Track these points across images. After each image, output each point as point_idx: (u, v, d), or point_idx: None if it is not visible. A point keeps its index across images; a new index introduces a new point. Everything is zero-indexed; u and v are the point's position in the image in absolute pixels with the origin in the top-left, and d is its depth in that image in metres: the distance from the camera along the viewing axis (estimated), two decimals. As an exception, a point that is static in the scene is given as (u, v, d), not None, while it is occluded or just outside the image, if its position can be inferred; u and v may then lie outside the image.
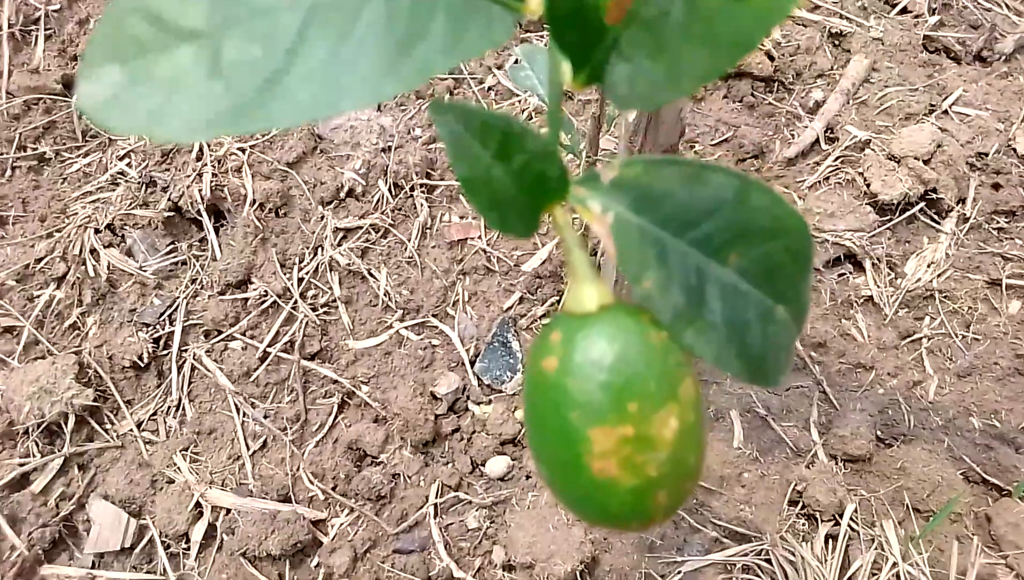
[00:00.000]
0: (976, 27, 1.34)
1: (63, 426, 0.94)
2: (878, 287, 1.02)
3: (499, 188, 0.25)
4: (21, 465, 0.92)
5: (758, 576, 0.80)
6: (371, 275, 1.05)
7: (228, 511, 0.89)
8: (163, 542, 0.89)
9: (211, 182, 1.07)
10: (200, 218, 1.08)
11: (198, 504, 0.90)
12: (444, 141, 0.23)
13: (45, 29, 1.33)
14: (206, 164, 1.09)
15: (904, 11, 1.35)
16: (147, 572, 0.88)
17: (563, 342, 0.27)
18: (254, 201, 1.08)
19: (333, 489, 0.90)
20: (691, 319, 0.27)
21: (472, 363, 0.98)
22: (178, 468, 0.92)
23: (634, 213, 0.27)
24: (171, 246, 1.08)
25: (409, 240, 1.07)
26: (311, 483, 0.91)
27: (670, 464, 0.26)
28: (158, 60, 0.21)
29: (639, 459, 0.25)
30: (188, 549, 0.89)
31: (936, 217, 1.09)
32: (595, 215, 0.27)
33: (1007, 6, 1.37)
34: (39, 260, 1.05)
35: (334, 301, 1.03)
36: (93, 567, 0.88)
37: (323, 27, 0.21)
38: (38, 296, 1.03)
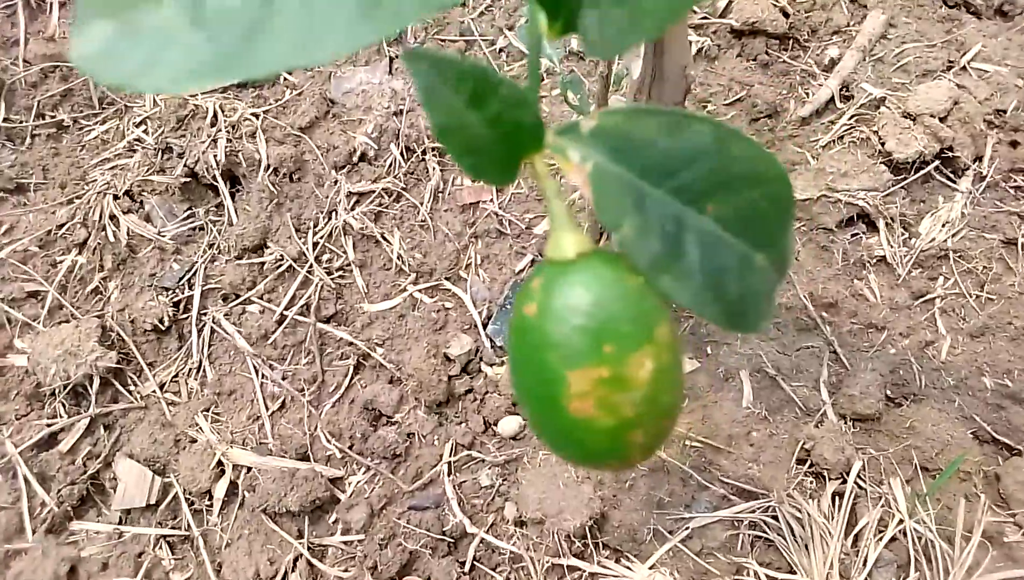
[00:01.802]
0: (999, -19, 1.31)
1: (88, 388, 0.97)
2: (891, 247, 1.02)
3: (474, 136, 0.25)
4: (49, 425, 0.95)
5: (765, 532, 0.81)
6: (384, 239, 1.06)
7: (249, 469, 0.92)
8: (187, 499, 0.92)
9: (226, 148, 1.09)
10: (216, 184, 1.09)
11: (220, 463, 0.92)
12: (418, 89, 0.24)
13: (61, -3, 1.34)
14: (220, 130, 1.11)
15: (925, -35, 1.32)
16: (172, 528, 0.91)
17: (543, 288, 0.28)
18: (268, 166, 1.09)
19: (350, 448, 0.93)
20: (668, 266, 0.27)
21: (485, 325, 0.99)
22: (200, 428, 0.95)
23: (613, 162, 0.27)
24: (188, 212, 1.10)
25: (422, 204, 1.08)
26: (328, 442, 0.93)
27: (645, 404, 0.27)
28: (145, 13, 0.22)
29: (615, 399, 0.26)
30: (211, 506, 0.91)
31: (952, 176, 1.07)
32: (574, 164, 0.27)
33: (1031, -41, 1.33)
34: (60, 226, 1.08)
35: (348, 265, 1.05)
36: (120, 523, 0.92)
37: (298, -22, 0.22)
38: (61, 261, 1.06)
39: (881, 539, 0.79)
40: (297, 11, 0.21)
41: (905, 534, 0.79)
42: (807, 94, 1.16)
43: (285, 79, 1.22)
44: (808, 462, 0.85)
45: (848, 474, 0.83)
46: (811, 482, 0.84)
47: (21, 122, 1.20)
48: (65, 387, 0.96)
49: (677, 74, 0.62)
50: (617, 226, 0.27)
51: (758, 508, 0.82)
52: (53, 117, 1.21)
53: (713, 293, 0.28)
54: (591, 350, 0.26)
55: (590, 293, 0.27)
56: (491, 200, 1.08)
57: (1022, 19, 1.26)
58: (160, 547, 0.90)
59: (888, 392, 0.91)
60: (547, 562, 0.81)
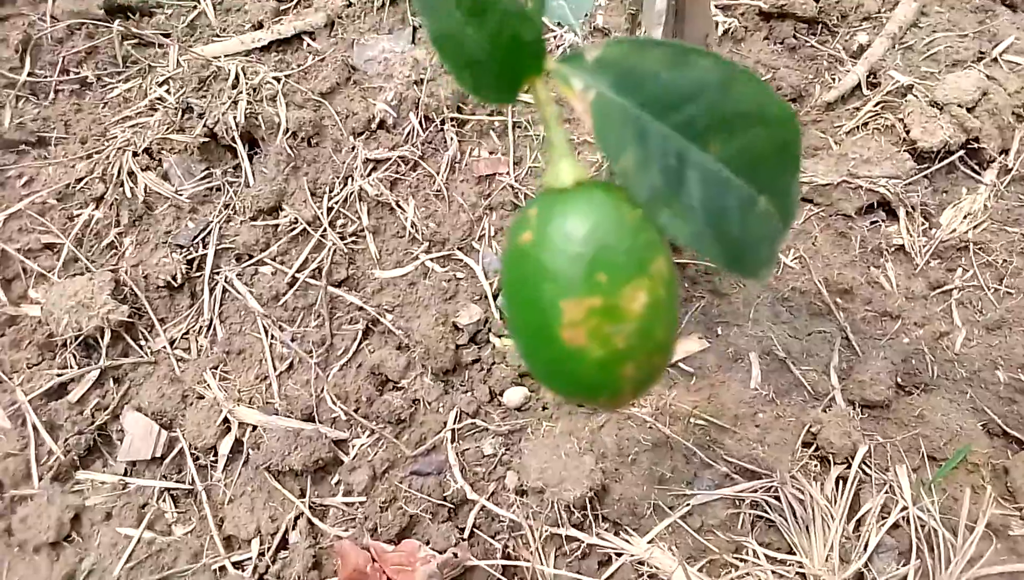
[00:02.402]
0: (1036, -26, 1.28)
1: (99, 340, 0.98)
2: (911, 236, 1.00)
3: (472, 48, 0.25)
4: (59, 375, 0.96)
5: (766, 512, 0.81)
6: (399, 206, 1.06)
7: (254, 427, 0.92)
8: (192, 454, 0.92)
9: (246, 110, 1.09)
10: (234, 145, 1.09)
11: (226, 420, 0.93)
12: (416, -3, 0.24)
13: (89, -45, 1.35)
14: (241, 92, 1.11)
15: (961, -45, 1.30)
16: (176, 481, 0.92)
17: (538, 216, 0.27)
18: (287, 130, 1.09)
19: (355, 411, 0.93)
20: (668, 200, 0.27)
21: (495, 297, 0.99)
22: (208, 385, 0.96)
23: (616, 92, 0.27)
24: (206, 171, 1.10)
25: (438, 173, 1.07)
26: (334, 404, 0.93)
27: (638, 337, 0.26)
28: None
29: (607, 330, 0.26)
30: (215, 461, 0.92)
31: (977, 167, 1.06)
32: (577, 92, 0.27)
33: (1071, -48, 1.31)
34: (79, 180, 1.08)
35: (362, 230, 1.05)
36: (125, 474, 0.92)
37: None
38: (78, 215, 1.06)
39: (883, 525, 0.78)
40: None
41: (908, 521, 0.78)
42: (833, 79, 1.15)
43: (308, 45, 1.22)
44: (814, 445, 0.84)
45: (853, 459, 0.82)
46: (815, 465, 0.83)
47: (45, 77, 1.21)
48: (77, 338, 0.97)
49: (699, 41, 0.62)
50: (617, 157, 0.27)
51: (760, 488, 0.81)
52: (77, 73, 1.22)
53: (713, 232, 0.28)
54: (585, 279, 0.26)
55: (586, 222, 0.26)
56: (507, 172, 1.07)
57: (1058, 13, 1.23)
58: (164, 500, 0.91)
59: (899, 380, 0.90)
60: (546, 531, 0.81)
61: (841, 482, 0.81)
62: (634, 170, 0.27)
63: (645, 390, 0.29)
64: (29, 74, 1.21)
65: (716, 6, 1.21)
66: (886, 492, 0.80)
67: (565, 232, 0.26)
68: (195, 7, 1.28)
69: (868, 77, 1.14)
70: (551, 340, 0.27)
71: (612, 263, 0.26)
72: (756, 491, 0.81)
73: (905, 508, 0.79)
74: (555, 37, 1.18)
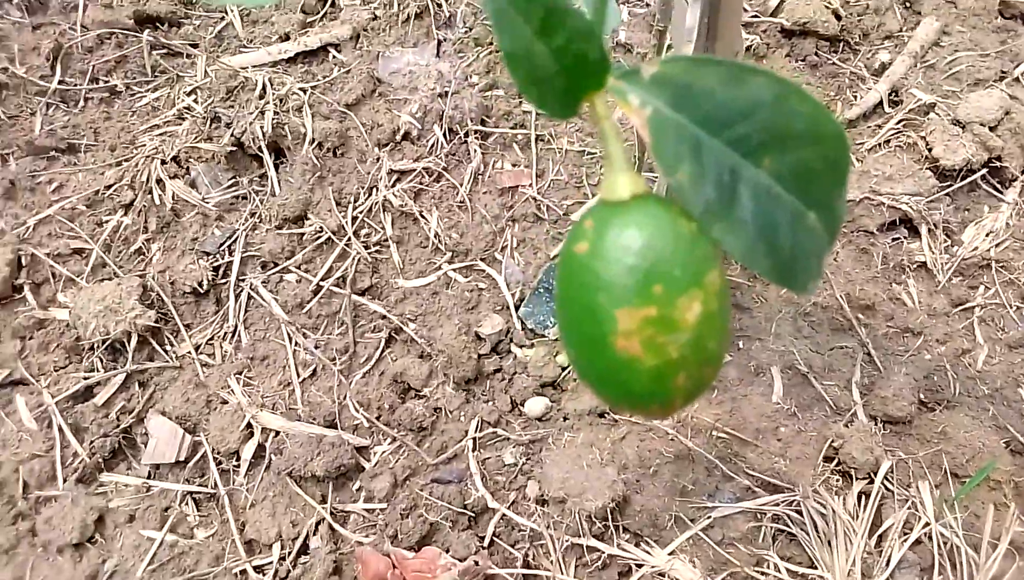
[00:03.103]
0: (1058, -6, 1.28)
1: (126, 344, 0.99)
2: (933, 253, 1.00)
3: (540, 64, 0.26)
4: (86, 378, 0.97)
5: (787, 526, 0.81)
6: (423, 217, 1.07)
7: (277, 433, 0.93)
8: (215, 458, 0.93)
9: (273, 120, 1.10)
10: (261, 154, 1.11)
11: (249, 425, 0.94)
12: (489, 14, 0.25)
13: (120, -34, 1.37)
14: (268, 102, 1.12)
15: (982, -25, 1.30)
16: (199, 485, 0.92)
17: (595, 228, 0.28)
18: (313, 140, 1.11)
19: (377, 418, 0.94)
20: (721, 214, 0.28)
21: (517, 307, 1.00)
22: (232, 390, 0.97)
23: (672, 109, 0.28)
24: (233, 180, 1.12)
25: (461, 185, 1.08)
26: (356, 411, 0.94)
27: (691, 347, 0.27)
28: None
29: (661, 340, 0.27)
30: (238, 466, 0.93)
31: (999, 186, 1.06)
32: (634, 108, 0.28)
33: (1093, -27, 1.31)
34: (108, 187, 1.10)
35: (386, 240, 1.06)
36: (149, 477, 0.93)
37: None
38: (107, 221, 1.08)
39: (906, 541, 0.78)
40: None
41: (930, 537, 0.79)
42: (855, 97, 1.15)
43: (334, 57, 1.23)
44: (835, 460, 0.84)
45: (876, 474, 0.82)
46: (837, 480, 0.83)
47: (76, 85, 1.23)
48: (104, 342, 0.98)
49: (732, 33, 0.62)
50: (673, 172, 0.27)
51: (782, 502, 0.82)
52: (107, 82, 1.24)
53: (765, 246, 0.28)
54: (640, 290, 0.27)
55: (643, 234, 0.27)
56: (530, 185, 1.08)
57: (1080, 33, 1.24)
58: (186, 503, 0.91)
59: (921, 396, 0.90)
60: (566, 541, 0.82)
61: (863, 497, 0.81)
62: (689, 184, 0.27)
63: (695, 400, 0.30)
64: (60, 82, 1.23)
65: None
66: (908, 508, 0.80)
67: (622, 243, 0.27)
68: (223, 18, 1.30)
69: (890, 95, 1.14)
70: (605, 349, 0.27)
71: (667, 274, 0.27)
72: (778, 505, 0.82)
73: (927, 524, 0.79)
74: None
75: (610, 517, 0.82)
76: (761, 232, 0.28)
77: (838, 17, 1.20)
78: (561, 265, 0.30)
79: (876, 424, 0.88)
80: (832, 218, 0.30)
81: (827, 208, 0.30)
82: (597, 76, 0.28)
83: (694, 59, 0.28)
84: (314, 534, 0.88)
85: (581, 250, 0.28)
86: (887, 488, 0.82)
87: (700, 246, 0.28)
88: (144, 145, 1.14)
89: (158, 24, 1.32)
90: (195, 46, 1.27)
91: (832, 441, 0.85)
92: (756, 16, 1.22)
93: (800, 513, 0.80)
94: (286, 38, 1.26)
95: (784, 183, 0.29)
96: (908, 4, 1.25)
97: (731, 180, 0.28)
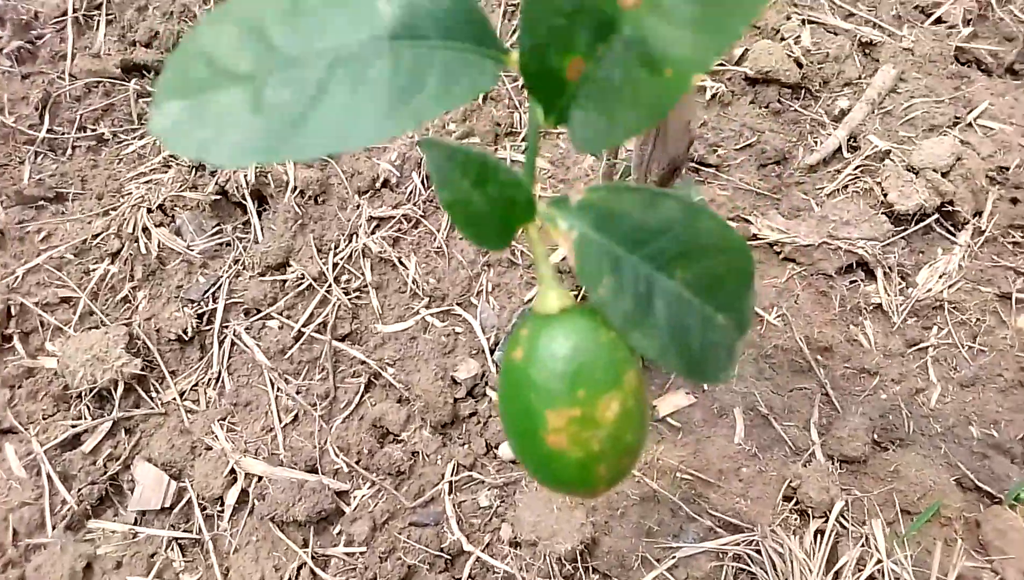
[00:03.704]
0: (1010, 39, 1.35)
1: (113, 392, 1.02)
2: (888, 295, 1.05)
3: (476, 210, 0.30)
4: (74, 426, 1.00)
5: (748, 565, 0.84)
6: (401, 263, 1.11)
7: (260, 478, 0.96)
8: (200, 504, 0.96)
9: (256, 168, 1.14)
10: (244, 202, 1.15)
11: (233, 471, 0.97)
12: (431, 171, 0.29)
13: (107, 14, 1.41)
14: (252, 152, 1.16)
15: (939, 21, 1.36)
16: (184, 531, 0.95)
17: (529, 337, 0.32)
18: (295, 188, 1.15)
19: (357, 463, 0.97)
20: (638, 322, 0.32)
21: (492, 351, 1.03)
22: (216, 436, 1.00)
23: (595, 231, 0.32)
24: (217, 227, 1.15)
25: (438, 231, 1.13)
26: (337, 456, 0.97)
27: (610, 441, 0.31)
28: (213, 98, 0.27)
29: (584, 435, 0.31)
30: (222, 511, 0.96)
31: (952, 229, 1.11)
32: (562, 232, 0.32)
33: (1043, 20, 1.37)
34: (95, 236, 1.13)
35: (365, 286, 1.10)
36: (135, 523, 0.96)
37: (339, 80, 0.27)
38: (94, 270, 1.11)
39: (859, 577, 0.82)
40: (337, 108, 0.26)
41: (883, 573, 0.82)
42: (816, 143, 1.20)
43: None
44: (794, 499, 0.88)
45: (831, 513, 0.86)
46: (795, 519, 0.87)
47: (64, 134, 1.27)
48: (91, 391, 1.01)
49: (680, 128, 0.67)
50: (596, 287, 0.32)
51: (743, 541, 0.85)
52: (94, 130, 1.27)
53: (676, 347, 0.32)
54: (567, 393, 0.31)
55: (569, 343, 0.31)
56: (505, 231, 1.12)
57: (1030, 79, 1.30)
58: (172, 549, 0.94)
59: (876, 436, 0.94)
60: (539, 582, 0.85)
61: (819, 535, 0.85)
62: (609, 297, 0.32)
63: (615, 485, 0.34)
64: (48, 131, 1.26)
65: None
66: (862, 545, 0.84)
67: (551, 352, 0.31)
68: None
69: (849, 141, 1.20)
70: (538, 443, 0.31)
71: (590, 378, 0.31)
72: (739, 544, 0.85)
73: (880, 561, 0.83)
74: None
75: (580, 558, 0.85)
76: (673, 335, 0.32)
77: (800, 65, 1.26)
78: (502, 369, 0.34)
79: (833, 463, 0.92)
80: (740, 316, 0.34)
81: (735, 309, 0.34)
82: (526, 214, 0.32)
83: (614, 186, 0.32)
84: (296, 578, 0.91)
85: (517, 357, 0.32)
86: (842, 526, 0.86)
87: (619, 351, 0.32)
88: (131, 193, 1.18)
89: (144, 72, 1.36)
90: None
91: (791, 481, 0.89)
92: (722, 65, 1.28)
93: (759, 552, 0.84)
94: (269, 88, 1.30)
95: (694, 290, 0.33)
96: (867, 52, 1.31)
97: (647, 290, 0.32)
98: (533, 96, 0.30)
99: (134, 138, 1.27)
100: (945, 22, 1.36)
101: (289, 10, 0.26)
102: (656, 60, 0.25)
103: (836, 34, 1.31)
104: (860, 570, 0.83)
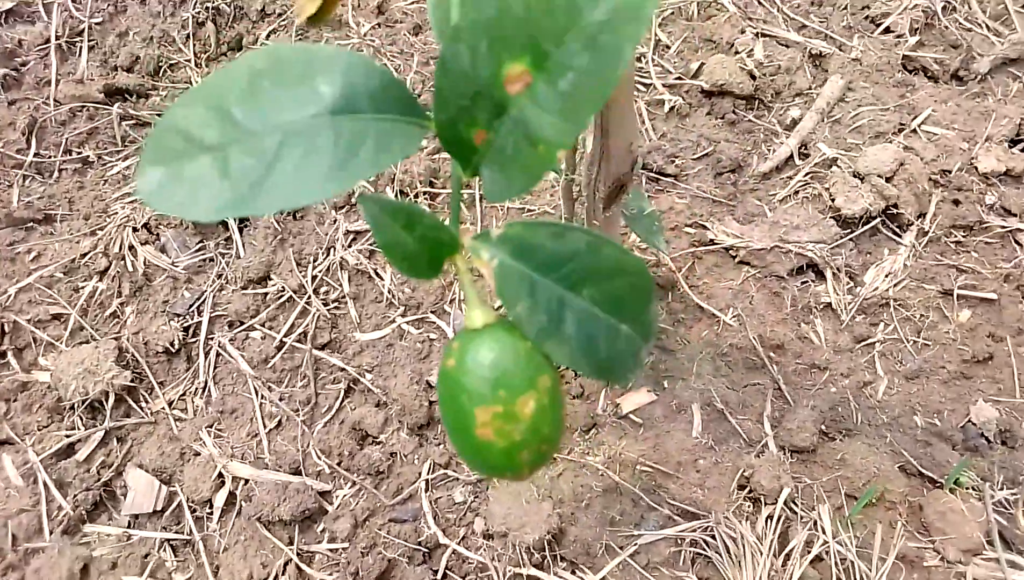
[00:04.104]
0: (956, 47, 1.41)
1: (104, 403, 1.07)
2: (837, 295, 1.12)
3: (407, 249, 0.36)
4: (67, 436, 1.05)
5: (704, 550, 0.91)
6: (377, 274, 1.16)
7: (246, 481, 1.02)
8: (190, 507, 1.02)
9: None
10: (226, 220, 1.20)
11: (220, 474, 1.02)
12: (368, 221, 0.35)
13: (89, 41, 1.47)
14: (232, 171, 1.22)
15: (887, 31, 1.43)
16: (175, 532, 1.01)
17: (459, 348, 0.38)
18: (275, 205, 1.20)
19: (338, 464, 1.03)
20: (551, 334, 0.38)
21: (465, 356, 1.09)
22: (204, 442, 1.05)
23: (513, 259, 0.38)
24: (200, 244, 1.21)
25: (412, 243, 1.18)
26: (319, 458, 1.03)
27: (529, 432, 0.38)
28: (187, 166, 0.33)
29: (507, 428, 0.37)
30: (211, 513, 1.01)
31: (897, 230, 1.18)
32: (484, 261, 0.38)
33: (987, 27, 1.44)
34: (84, 255, 1.19)
35: (343, 297, 1.15)
36: (129, 527, 1.02)
37: (291, 149, 0.33)
38: (83, 287, 1.17)
39: (807, 559, 0.88)
40: (290, 172, 0.32)
41: (828, 553, 0.89)
42: (769, 151, 1.27)
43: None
44: (747, 488, 0.95)
45: (780, 499, 0.93)
46: (748, 506, 0.94)
47: (50, 157, 1.32)
48: (83, 402, 1.06)
49: (623, 150, 0.73)
50: (514, 306, 0.38)
51: (699, 528, 0.92)
52: (79, 153, 1.33)
53: (585, 355, 0.38)
54: (490, 393, 0.37)
55: (491, 353, 0.38)
56: (475, 241, 1.19)
57: (975, 84, 1.37)
58: (164, 550, 1.00)
59: (824, 427, 1.00)
60: (510, 572, 0.91)
61: (770, 520, 0.92)
62: (526, 315, 0.38)
63: (538, 469, 0.40)
64: (35, 155, 1.32)
65: (663, 84, 1.34)
66: (810, 529, 0.91)
67: (478, 361, 0.37)
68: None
69: (800, 149, 1.26)
70: (469, 435, 0.38)
71: (509, 381, 0.37)
72: (695, 531, 0.92)
73: (826, 543, 0.89)
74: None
75: (548, 548, 0.91)
76: (583, 345, 0.38)
77: (753, 77, 1.32)
78: (439, 376, 0.40)
79: (784, 453, 0.98)
80: (643, 328, 0.40)
81: (638, 321, 0.40)
82: (450, 248, 0.38)
83: (529, 222, 0.38)
84: (283, 574, 0.97)
85: (451, 365, 0.38)
86: (792, 511, 0.93)
87: (534, 359, 0.38)
88: (116, 213, 1.23)
89: (127, 96, 1.41)
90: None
91: (744, 471, 0.95)
92: (679, 79, 1.34)
93: (715, 538, 0.90)
94: (248, 109, 1.35)
95: (601, 307, 0.39)
96: (817, 63, 1.38)
97: (559, 308, 0.38)
98: (451, 156, 0.36)
99: (118, 160, 1.33)
100: (893, 32, 1.42)
101: (247, 91, 0.32)
102: (533, 138, 0.31)
103: (788, 47, 1.38)
104: (808, 551, 0.89)
